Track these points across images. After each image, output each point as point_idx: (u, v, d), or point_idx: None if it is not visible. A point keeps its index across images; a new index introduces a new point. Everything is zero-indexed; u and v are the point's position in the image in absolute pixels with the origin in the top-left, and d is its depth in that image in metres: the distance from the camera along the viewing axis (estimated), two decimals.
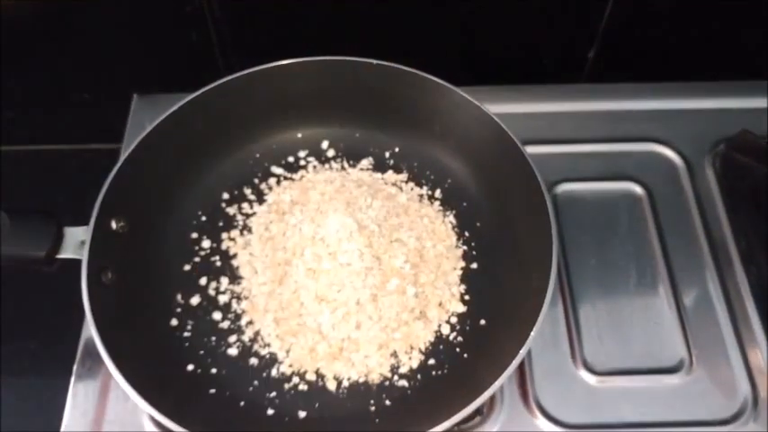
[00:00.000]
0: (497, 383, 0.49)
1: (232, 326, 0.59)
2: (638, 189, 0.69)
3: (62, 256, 0.55)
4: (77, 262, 0.54)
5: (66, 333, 0.62)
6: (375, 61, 0.64)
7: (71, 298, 0.53)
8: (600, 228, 0.67)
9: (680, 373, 0.59)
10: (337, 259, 0.57)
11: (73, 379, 0.59)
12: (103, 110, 0.76)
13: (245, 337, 0.58)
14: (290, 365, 0.57)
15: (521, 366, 0.59)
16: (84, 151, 0.80)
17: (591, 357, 0.60)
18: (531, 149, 0.60)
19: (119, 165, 0.58)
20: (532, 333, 0.51)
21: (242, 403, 0.55)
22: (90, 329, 0.51)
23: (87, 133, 0.80)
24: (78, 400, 0.58)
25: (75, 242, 0.55)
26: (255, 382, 0.56)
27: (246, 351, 0.58)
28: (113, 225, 0.58)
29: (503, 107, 0.64)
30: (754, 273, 0.64)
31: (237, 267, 0.62)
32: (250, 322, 0.59)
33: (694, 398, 0.58)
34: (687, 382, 0.59)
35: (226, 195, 0.66)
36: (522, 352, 0.50)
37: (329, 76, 0.66)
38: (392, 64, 0.64)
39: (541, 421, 0.57)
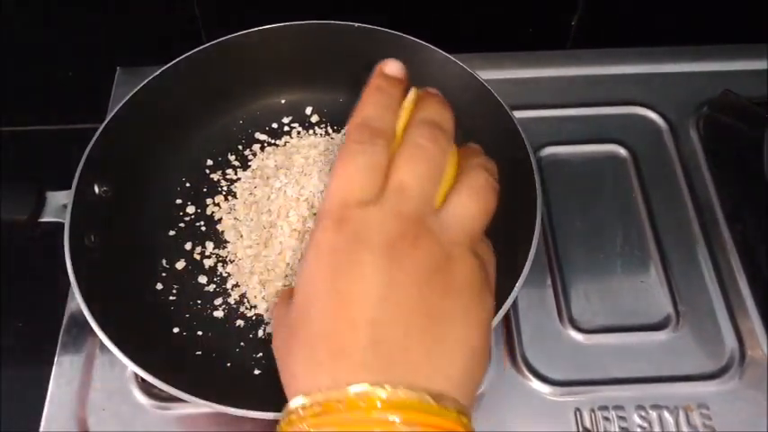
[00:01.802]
0: None
1: (218, 289, 0.59)
2: (622, 151, 0.69)
3: (45, 219, 0.55)
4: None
5: (54, 311, 0.61)
6: (357, 24, 0.64)
7: (57, 280, 0.53)
8: (585, 190, 0.67)
9: (666, 330, 0.59)
10: None
11: (58, 347, 0.58)
12: (89, 88, 0.75)
13: (231, 300, 0.58)
14: None
15: (508, 326, 0.59)
16: (73, 131, 0.80)
17: (578, 315, 0.60)
18: (515, 114, 0.60)
19: (101, 129, 0.58)
20: (517, 286, 0.51)
21: (228, 364, 0.55)
22: (74, 294, 0.50)
23: (74, 113, 0.79)
24: (64, 369, 0.57)
25: (58, 205, 0.55)
26: (242, 344, 0.56)
27: (233, 313, 0.58)
28: (96, 189, 0.57)
29: (486, 73, 0.64)
30: (739, 231, 0.64)
31: (222, 232, 0.61)
32: (236, 285, 0.59)
33: (681, 353, 0.58)
34: (674, 338, 0.59)
35: (209, 162, 0.66)
36: (507, 303, 0.50)
37: (311, 41, 0.65)
38: (374, 26, 0.64)
39: (529, 379, 0.57)
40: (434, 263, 0.34)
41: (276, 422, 0.34)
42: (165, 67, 0.62)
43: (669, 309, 0.60)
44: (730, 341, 0.59)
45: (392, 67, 0.40)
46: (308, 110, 0.69)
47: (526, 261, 0.52)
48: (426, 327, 0.33)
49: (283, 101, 0.69)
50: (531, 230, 0.53)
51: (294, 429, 0.32)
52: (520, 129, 0.58)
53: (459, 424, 0.31)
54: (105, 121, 0.58)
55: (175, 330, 0.56)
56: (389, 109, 0.38)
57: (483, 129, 0.62)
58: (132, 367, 0.48)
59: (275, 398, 0.52)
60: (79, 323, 0.59)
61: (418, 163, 0.35)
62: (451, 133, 0.38)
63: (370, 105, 0.38)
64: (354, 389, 0.31)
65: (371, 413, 0.30)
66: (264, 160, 0.65)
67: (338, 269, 0.33)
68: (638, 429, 0.54)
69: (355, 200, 0.34)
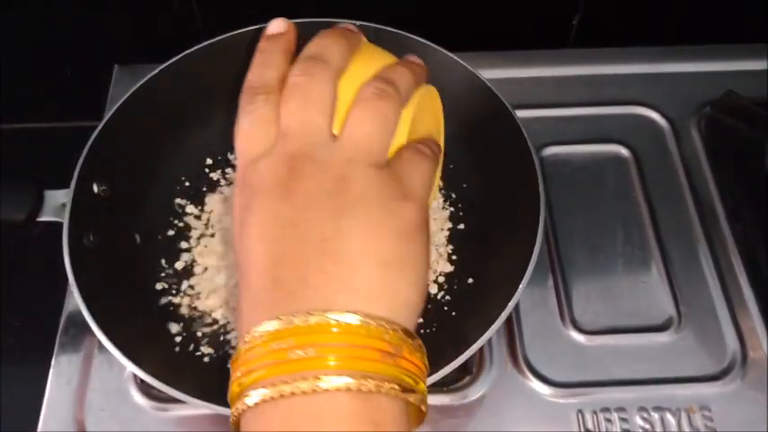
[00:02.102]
0: (486, 336, 0.48)
1: None
2: (624, 151, 0.69)
3: (43, 218, 0.54)
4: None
5: (52, 311, 0.61)
6: (358, 23, 0.63)
7: (55, 280, 0.53)
8: (587, 189, 0.67)
9: (668, 331, 0.59)
10: None
11: (56, 347, 0.58)
12: (88, 86, 0.75)
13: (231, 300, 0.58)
14: None
15: (509, 327, 0.59)
16: (71, 129, 0.79)
17: (579, 316, 0.60)
18: (517, 114, 0.60)
19: (100, 127, 0.57)
20: (520, 286, 0.50)
21: (228, 366, 0.54)
22: (73, 293, 0.50)
23: (72, 111, 0.78)
24: (62, 369, 0.57)
25: (56, 204, 0.54)
26: None
27: (232, 314, 0.57)
28: (95, 188, 0.57)
29: (488, 72, 0.63)
30: (740, 231, 0.64)
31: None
32: (235, 285, 0.58)
33: (683, 355, 0.58)
34: (676, 339, 0.59)
35: (209, 161, 0.65)
36: (511, 305, 0.49)
37: (310, 39, 0.65)
38: (375, 25, 0.63)
39: (531, 380, 0.57)
40: (324, 188, 0.34)
41: None
42: (164, 65, 0.61)
43: (671, 309, 0.60)
44: (732, 342, 0.58)
45: (272, 26, 0.41)
46: None
47: (529, 262, 0.51)
48: (323, 250, 0.33)
49: None
50: (533, 231, 0.53)
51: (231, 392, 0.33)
52: (522, 128, 0.58)
53: (369, 335, 0.31)
54: (104, 120, 0.58)
55: (175, 331, 0.56)
56: (269, 64, 0.39)
57: (485, 128, 0.62)
58: (131, 368, 0.47)
59: None
60: (77, 323, 0.59)
61: (294, 100, 0.36)
62: (336, 61, 0.38)
63: (252, 70, 0.39)
64: (256, 329, 0.31)
65: (269, 345, 0.31)
66: None
67: (243, 225, 0.35)
68: (640, 431, 0.54)
69: (251, 159, 0.36)
